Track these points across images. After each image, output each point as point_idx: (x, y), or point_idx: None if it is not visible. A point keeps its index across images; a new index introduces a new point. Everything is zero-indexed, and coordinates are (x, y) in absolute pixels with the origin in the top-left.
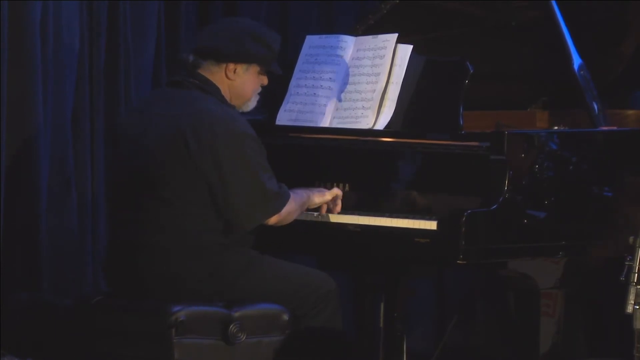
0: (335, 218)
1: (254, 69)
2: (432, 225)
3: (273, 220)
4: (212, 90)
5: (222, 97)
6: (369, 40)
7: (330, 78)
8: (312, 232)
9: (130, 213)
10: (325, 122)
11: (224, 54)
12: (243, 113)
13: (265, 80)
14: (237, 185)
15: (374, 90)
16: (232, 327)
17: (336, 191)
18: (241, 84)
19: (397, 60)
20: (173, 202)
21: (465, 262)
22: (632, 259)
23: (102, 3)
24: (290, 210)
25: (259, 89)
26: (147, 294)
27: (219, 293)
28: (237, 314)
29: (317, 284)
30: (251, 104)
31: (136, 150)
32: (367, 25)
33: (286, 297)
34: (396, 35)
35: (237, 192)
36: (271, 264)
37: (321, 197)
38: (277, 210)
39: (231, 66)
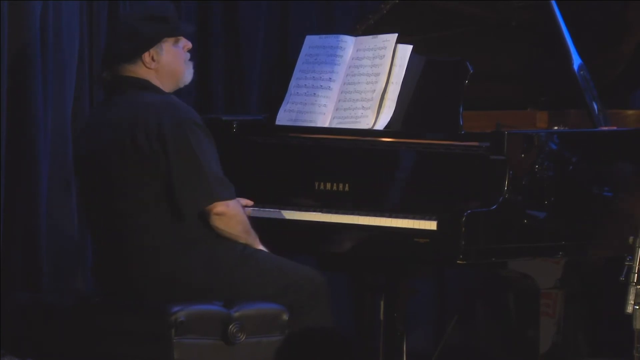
0: (335, 218)
1: (167, 44)
2: (432, 225)
3: (219, 209)
4: (145, 85)
5: (156, 87)
6: (368, 40)
7: (330, 78)
8: (311, 232)
9: (108, 221)
10: (325, 122)
11: (131, 53)
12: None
13: (187, 44)
14: (181, 170)
15: (374, 90)
16: (232, 327)
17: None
18: (167, 63)
19: (397, 61)
20: (140, 199)
21: (465, 262)
22: (632, 259)
23: (102, 3)
24: (238, 211)
25: (188, 56)
26: (141, 295)
27: (211, 287)
28: (236, 314)
29: (309, 278)
30: (187, 75)
31: (92, 158)
32: (367, 25)
33: (279, 290)
34: (396, 35)
35: (181, 177)
36: (263, 257)
37: (258, 244)
38: (222, 197)
39: (146, 57)
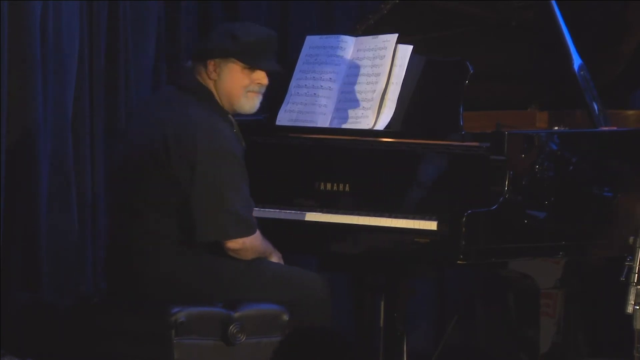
0: (335, 218)
1: (234, 64)
2: (432, 225)
3: (233, 245)
4: (205, 96)
5: (215, 102)
6: (369, 40)
7: (330, 78)
8: (312, 232)
9: (124, 216)
10: (326, 123)
11: (201, 53)
12: (240, 116)
13: (262, 79)
14: (201, 199)
15: (374, 91)
16: (232, 328)
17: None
18: (224, 81)
19: (397, 61)
20: (157, 206)
21: (465, 262)
22: (632, 259)
23: (102, 3)
24: (254, 245)
25: (253, 88)
26: (146, 296)
27: (216, 293)
28: (237, 315)
29: (312, 289)
30: (245, 104)
31: (129, 152)
32: (367, 25)
33: (283, 298)
34: (396, 35)
35: (199, 206)
36: (269, 265)
37: (277, 258)
38: (238, 235)
39: (210, 65)
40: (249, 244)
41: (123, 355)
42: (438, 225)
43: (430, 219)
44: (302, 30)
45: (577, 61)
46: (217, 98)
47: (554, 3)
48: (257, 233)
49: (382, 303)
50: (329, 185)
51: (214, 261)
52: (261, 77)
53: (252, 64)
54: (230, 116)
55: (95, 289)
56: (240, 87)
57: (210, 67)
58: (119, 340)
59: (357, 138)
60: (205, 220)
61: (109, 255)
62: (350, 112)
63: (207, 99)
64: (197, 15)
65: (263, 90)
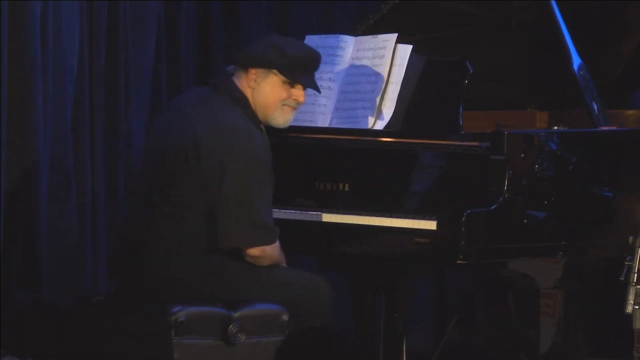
0: (335, 218)
1: (275, 76)
2: (431, 225)
3: (254, 252)
4: (241, 101)
5: (251, 109)
6: (368, 40)
7: (330, 78)
8: (311, 232)
9: (144, 208)
10: (325, 122)
11: (245, 59)
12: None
13: (299, 96)
14: (230, 205)
15: (374, 90)
16: (232, 328)
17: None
18: (262, 92)
19: (396, 60)
20: (180, 206)
21: (464, 262)
22: (632, 259)
23: (102, 3)
24: (273, 254)
25: (290, 103)
26: (149, 293)
27: (220, 294)
28: (236, 315)
29: (317, 290)
30: (279, 117)
31: (158, 147)
32: (367, 25)
33: (287, 300)
34: (396, 35)
35: (228, 211)
36: (273, 268)
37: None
38: (261, 242)
39: (252, 73)
40: (269, 252)
41: (123, 355)
42: (438, 225)
43: (430, 218)
44: (302, 30)
45: (576, 61)
46: (253, 106)
47: (553, 3)
48: (277, 242)
49: (382, 303)
50: (328, 185)
51: (220, 262)
52: (299, 94)
53: (292, 79)
54: (262, 125)
55: (94, 290)
56: (277, 99)
57: (251, 75)
58: (118, 339)
59: (357, 138)
60: (232, 227)
61: (119, 247)
62: (350, 112)
63: (243, 104)
64: (197, 15)
65: (298, 107)
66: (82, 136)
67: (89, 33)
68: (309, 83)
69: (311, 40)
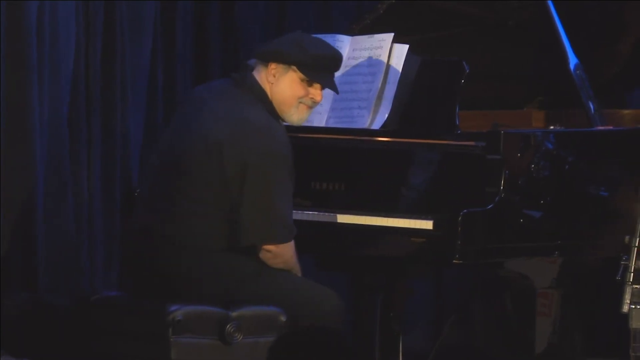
0: (331, 218)
1: (294, 73)
2: (428, 224)
3: (272, 249)
4: (261, 96)
5: (270, 104)
6: (365, 39)
7: None
8: (307, 231)
9: (163, 206)
10: (322, 122)
11: (266, 54)
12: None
13: (316, 95)
14: (252, 202)
15: (370, 90)
16: (229, 327)
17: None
18: (280, 88)
19: (393, 60)
20: (196, 200)
21: (461, 261)
22: (628, 259)
23: (98, 3)
24: (291, 253)
25: (306, 101)
26: (163, 290)
27: (224, 296)
28: (234, 314)
29: (322, 300)
30: (294, 114)
31: (179, 144)
32: (363, 25)
33: (291, 308)
34: (392, 35)
35: (250, 207)
36: (280, 273)
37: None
38: (281, 240)
39: (272, 67)
40: (281, 250)
41: (120, 354)
42: (434, 225)
43: (426, 218)
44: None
45: (573, 60)
46: (272, 101)
47: (550, 3)
48: (293, 244)
49: (379, 303)
50: (324, 185)
51: (226, 261)
52: (317, 93)
53: (311, 77)
54: (280, 120)
55: (92, 290)
56: (294, 96)
57: (271, 70)
58: (116, 339)
59: (353, 137)
60: (255, 224)
61: (134, 243)
62: (346, 112)
63: (262, 99)
64: (193, 15)
65: (315, 106)
66: (78, 136)
67: (85, 33)
68: (328, 83)
69: None
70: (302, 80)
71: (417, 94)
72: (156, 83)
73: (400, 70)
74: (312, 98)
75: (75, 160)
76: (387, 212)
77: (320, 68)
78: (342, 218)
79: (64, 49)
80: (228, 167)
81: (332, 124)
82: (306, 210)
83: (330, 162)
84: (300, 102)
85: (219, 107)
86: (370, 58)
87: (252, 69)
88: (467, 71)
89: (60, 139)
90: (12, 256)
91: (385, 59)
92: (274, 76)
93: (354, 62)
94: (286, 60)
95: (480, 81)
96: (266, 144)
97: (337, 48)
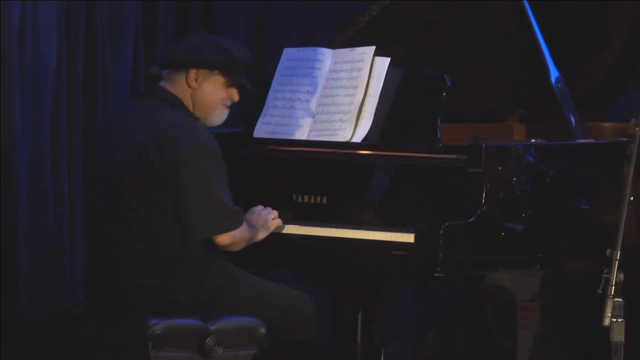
0: (312, 231)
1: (218, 78)
2: (409, 237)
3: (224, 240)
4: (174, 103)
5: (186, 108)
6: (346, 52)
7: (307, 91)
8: (288, 244)
9: (107, 225)
10: (303, 135)
11: (183, 60)
12: (217, 128)
13: (234, 95)
14: (192, 197)
15: (352, 103)
16: (209, 341)
17: (274, 213)
18: (204, 92)
19: (374, 73)
20: (146, 213)
21: (442, 274)
22: (610, 272)
23: (80, 4)
24: (243, 236)
25: (226, 102)
26: (126, 305)
27: (197, 305)
28: (213, 327)
29: (296, 306)
30: (217, 118)
31: (108, 163)
32: (345, 37)
33: (264, 314)
34: (374, 47)
35: (192, 203)
36: (251, 280)
37: (265, 232)
38: (230, 228)
39: (192, 73)
40: (239, 236)
41: None
42: (415, 238)
43: (407, 231)
44: (281, 29)
45: (554, 74)
46: (188, 105)
47: (531, 16)
48: (244, 223)
49: (360, 316)
50: (306, 198)
51: (197, 270)
52: (235, 93)
53: (235, 80)
54: (201, 121)
55: (73, 301)
56: (218, 99)
57: (192, 75)
58: (95, 352)
59: (335, 150)
60: (198, 218)
61: (91, 264)
62: (328, 125)
63: (177, 105)
64: (175, 16)
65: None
66: (59, 145)
67: (67, 36)
68: (248, 84)
69: (289, 53)
70: (224, 83)
71: (398, 107)
72: (138, 85)
73: (381, 83)
74: (231, 98)
75: (56, 169)
76: (369, 225)
77: (242, 70)
78: (323, 231)
79: (45, 56)
80: (161, 170)
81: (313, 137)
82: (287, 223)
83: (312, 175)
84: (222, 104)
85: (139, 120)
86: (351, 71)
87: (159, 79)
88: (449, 84)
89: (41, 146)
90: None
91: (366, 72)
92: (196, 81)
93: (336, 75)
94: (211, 65)
95: (461, 93)
96: (192, 139)
97: (318, 61)
